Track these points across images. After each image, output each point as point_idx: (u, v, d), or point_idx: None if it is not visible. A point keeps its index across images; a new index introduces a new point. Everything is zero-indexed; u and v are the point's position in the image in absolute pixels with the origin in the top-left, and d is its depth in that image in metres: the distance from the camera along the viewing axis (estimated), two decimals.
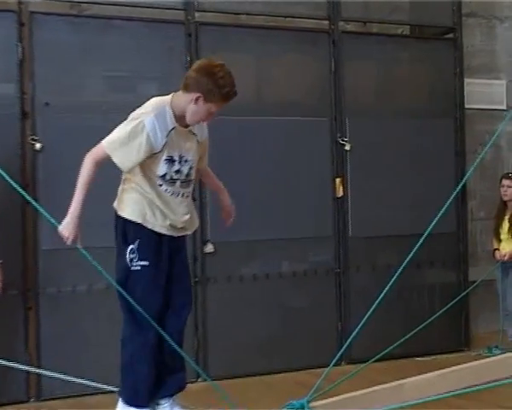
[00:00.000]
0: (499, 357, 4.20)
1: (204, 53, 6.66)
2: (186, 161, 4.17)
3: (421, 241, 3.84)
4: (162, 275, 4.20)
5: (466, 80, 8.00)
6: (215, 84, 3.91)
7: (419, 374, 4.39)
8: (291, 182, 7.08)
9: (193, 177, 4.30)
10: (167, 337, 4.12)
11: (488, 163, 8.78)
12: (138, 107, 4.15)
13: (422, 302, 7.59)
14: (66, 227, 3.98)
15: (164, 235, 4.19)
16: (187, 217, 4.27)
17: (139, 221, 4.10)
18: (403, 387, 4.11)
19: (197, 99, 3.94)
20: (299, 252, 7.15)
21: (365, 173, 7.33)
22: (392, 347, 5.11)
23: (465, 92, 7.91)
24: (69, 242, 4.01)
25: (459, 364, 4.30)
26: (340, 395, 4.10)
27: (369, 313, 4.10)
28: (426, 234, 3.80)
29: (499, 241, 7.46)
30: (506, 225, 7.38)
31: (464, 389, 3.85)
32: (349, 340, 4.32)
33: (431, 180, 7.42)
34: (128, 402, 4.16)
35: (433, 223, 3.77)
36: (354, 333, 4.11)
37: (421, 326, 5.35)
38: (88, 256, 4.08)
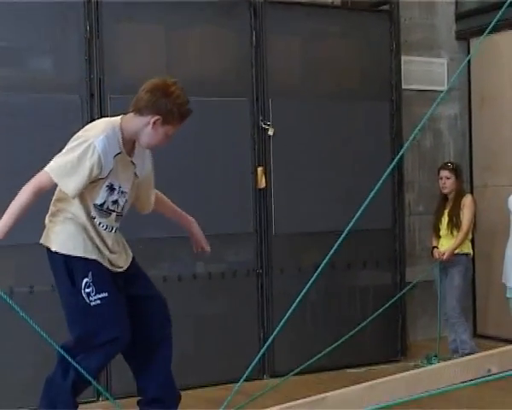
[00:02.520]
0: (432, 367, 4.26)
1: (106, 22, 6.57)
2: (123, 192, 4.26)
3: (339, 240, 3.86)
4: (123, 302, 4.27)
5: (403, 58, 8.06)
6: (174, 104, 4.09)
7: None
8: (206, 171, 7.02)
9: (125, 212, 4.39)
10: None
11: (428, 151, 8.90)
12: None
13: (354, 307, 7.64)
14: None
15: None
16: (115, 256, 4.32)
17: (83, 255, 4.13)
18: (324, 401, 4.13)
19: (155, 122, 4.08)
20: (215, 251, 7.04)
21: (291, 162, 7.32)
22: (315, 358, 5.13)
23: (402, 71, 7.98)
24: None
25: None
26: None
27: (285, 317, 4.11)
28: (346, 232, 3.83)
29: (439, 238, 7.56)
30: (445, 219, 7.47)
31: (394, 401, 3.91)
32: (264, 348, 4.33)
33: (364, 170, 7.44)
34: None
35: (354, 219, 3.79)
36: (270, 340, 4.12)
37: (350, 334, 5.38)
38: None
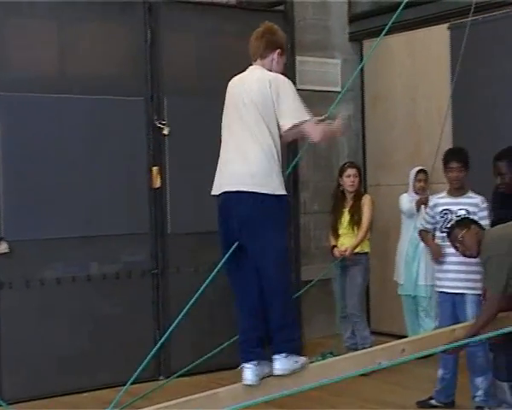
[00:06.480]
0: (327, 361, 4.42)
1: None
2: None
3: None
4: None
5: (297, 58, 8.17)
6: (282, 37, 4.77)
7: None
8: (100, 171, 6.95)
9: None
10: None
11: (322, 151, 9.01)
12: None
13: None
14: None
15: None
16: None
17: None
18: (217, 396, 4.26)
19: (278, 54, 4.69)
20: (110, 251, 7.05)
21: (186, 161, 7.31)
22: (202, 358, 5.18)
23: (296, 71, 8.08)
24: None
25: None
26: (149, 407, 4.16)
27: (177, 319, 4.17)
28: None
29: (337, 236, 7.63)
30: (346, 217, 7.52)
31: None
32: (155, 348, 4.35)
33: None
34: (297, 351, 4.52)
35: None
36: (162, 340, 4.16)
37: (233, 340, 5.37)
38: None
